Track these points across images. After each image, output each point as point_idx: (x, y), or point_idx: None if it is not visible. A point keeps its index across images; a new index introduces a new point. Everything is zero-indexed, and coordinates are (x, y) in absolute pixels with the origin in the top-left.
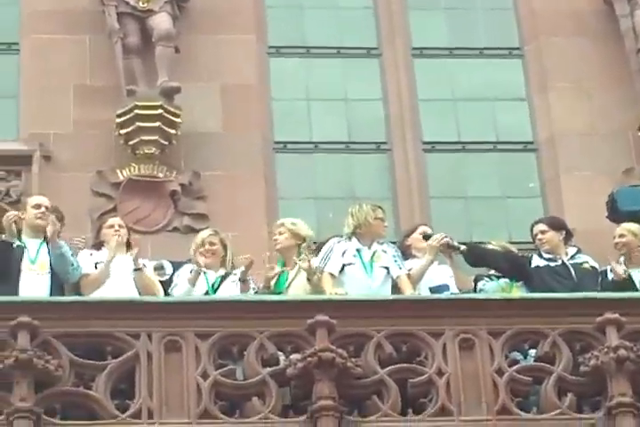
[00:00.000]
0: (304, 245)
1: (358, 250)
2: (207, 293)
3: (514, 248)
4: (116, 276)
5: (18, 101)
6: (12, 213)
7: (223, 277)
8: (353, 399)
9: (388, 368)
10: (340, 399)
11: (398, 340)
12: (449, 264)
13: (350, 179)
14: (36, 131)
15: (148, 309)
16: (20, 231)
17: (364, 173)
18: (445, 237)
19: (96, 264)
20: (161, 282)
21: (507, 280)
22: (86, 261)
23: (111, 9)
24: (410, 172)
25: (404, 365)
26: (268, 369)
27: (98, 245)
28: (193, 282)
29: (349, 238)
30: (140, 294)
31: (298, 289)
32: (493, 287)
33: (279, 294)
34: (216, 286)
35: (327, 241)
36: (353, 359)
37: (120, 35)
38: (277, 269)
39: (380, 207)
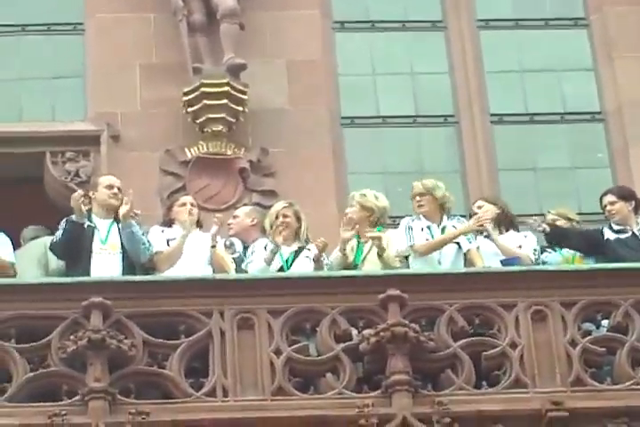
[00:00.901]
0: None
1: (429, 227)
2: (282, 268)
3: (573, 214)
4: (188, 254)
5: (84, 82)
6: (78, 193)
7: (297, 252)
8: (426, 373)
9: (460, 341)
10: (413, 374)
11: (470, 313)
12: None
13: (418, 152)
14: (104, 111)
15: (219, 286)
16: (89, 211)
17: (432, 146)
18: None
19: (168, 241)
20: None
21: (569, 250)
22: (158, 239)
23: None
24: (478, 144)
25: (477, 338)
26: (341, 345)
27: (168, 222)
28: (269, 261)
29: (419, 217)
30: (214, 271)
31: (372, 263)
32: (557, 259)
33: (355, 266)
34: (290, 261)
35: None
36: (425, 333)
37: (185, 12)
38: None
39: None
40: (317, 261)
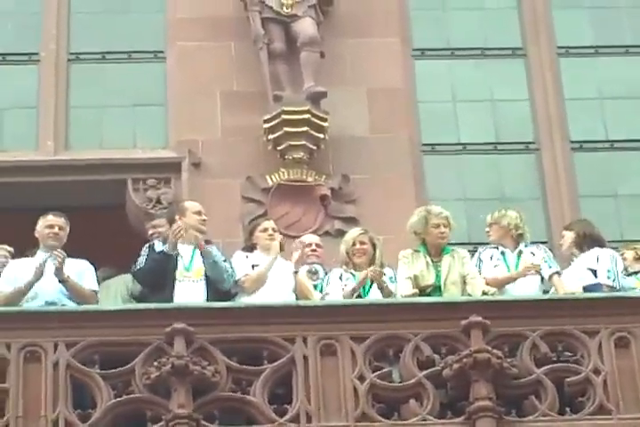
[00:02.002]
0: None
1: (503, 253)
2: (359, 295)
3: None
4: (271, 280)
5: (166, 109)
6: (178, 226)
7: (372, 281)
8: (510, 400)
9: (543, 368)
10: (497, 400)
11: (553, 339)
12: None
13: (499, 179)
14: (185, 138)
15: (302, 313)
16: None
17: (513, 173)
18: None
19: (253, 266)
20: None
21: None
22: (242, 264)
23: (255, 15)
24: (558, 171)
25: (560, 364)
26: (425, 371)
27: (250, 247)
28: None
29: (494, 246)
30: (296, 297)
31: (453, 288)
32: (631, 283)
33: (438, 287)
34: (367, 287)
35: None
36: (508, 360)
37: (265, 40)
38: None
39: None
40: (383, 289)
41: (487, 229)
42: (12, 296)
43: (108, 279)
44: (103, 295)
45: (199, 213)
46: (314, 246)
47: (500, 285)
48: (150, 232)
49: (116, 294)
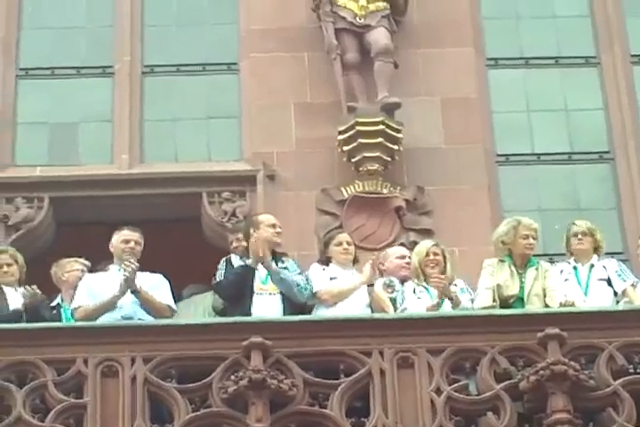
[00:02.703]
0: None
1: (574, 267)
2: None
3: None
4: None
5: (240, 121)
6: (256, 238)
7: None
8: (587, 412)
9: (621, 380)
10: (574, 412)
11: (630, 351)
12: None
13: (574, 189)
14: (259, 150)
15: (378, 326)
16: (247, 250)
17: (588, 183)
18: None
19: (330, 278)
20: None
21: None
22: (319, 276)
23: (329, 25)
24: (634, 181)
25: (638, 376)
26: (502, 384)
27: (326, 260)
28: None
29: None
30: (372, 310)
31: (536, 301)
32: None
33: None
34: (443, 300)
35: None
36: (585, 372)
37: (338, 51)
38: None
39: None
40: (452, 300)
41: (580, 237)
42: (96, 310)
43: (195, 296)
44: (191, 311)
45: (273, 225)
46: (407, 259)
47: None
48: (234, 245)
49: (204, 310)
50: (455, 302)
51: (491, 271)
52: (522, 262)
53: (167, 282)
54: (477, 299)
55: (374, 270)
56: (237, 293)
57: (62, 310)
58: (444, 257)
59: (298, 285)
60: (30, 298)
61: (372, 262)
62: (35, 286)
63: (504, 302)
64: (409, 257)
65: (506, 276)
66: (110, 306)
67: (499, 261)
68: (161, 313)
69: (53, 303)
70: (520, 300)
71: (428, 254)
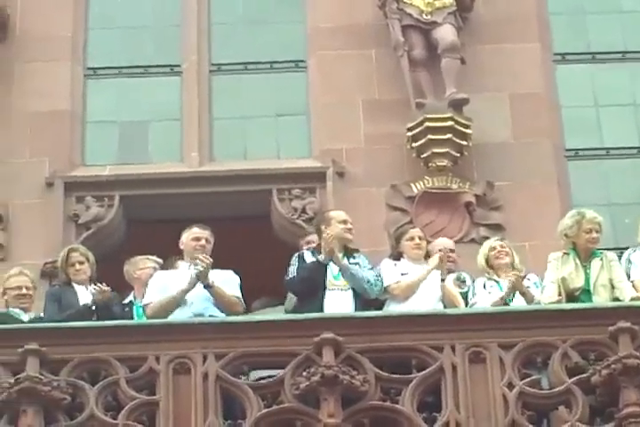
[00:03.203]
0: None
1: None
2: (505, 302)
3: None
4: (421, 288)
5: (308, 118)
6: (330, 236)
7: None
8: None
9: None
10: None
11: None
12: None
13: None
14: (328, 147)
15: (450, 321)
16: (319, 247)
17: None
18: None
19: (401, 274)
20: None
21: None
22: (391, 271)
23: (395, 22)
24: None
25: None
26: (573, 378)
27: (397, 255)
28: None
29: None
30: (444, 306)
31: (603, 291)
32: None
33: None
34: (512, 294)
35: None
36: None
37: (405, 48)
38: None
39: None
40: (525, 294)
41: None
42: (166, 305)
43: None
44: None
45: (344, 221)
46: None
47: None
48: (305, 248)
49: None
50: (528, 297)
51: (555, 265)
52: (585, 255)
53: (238, 278)
54: (544, 293)
55: (443, 261)
56: (309, 288)
57: (135, 307)
58: (510, 253)
59: (368, 281)
60: (101, 296)
61: (442, 254)
62: (105, 284)
63: (570, 295)
64: (451, 249)
65: (570, 269)
66: (179, 300)
67: (563, 255)
68: (233, 308)
69: (126, 301)
70: (586, 292)
71: (493, 248)
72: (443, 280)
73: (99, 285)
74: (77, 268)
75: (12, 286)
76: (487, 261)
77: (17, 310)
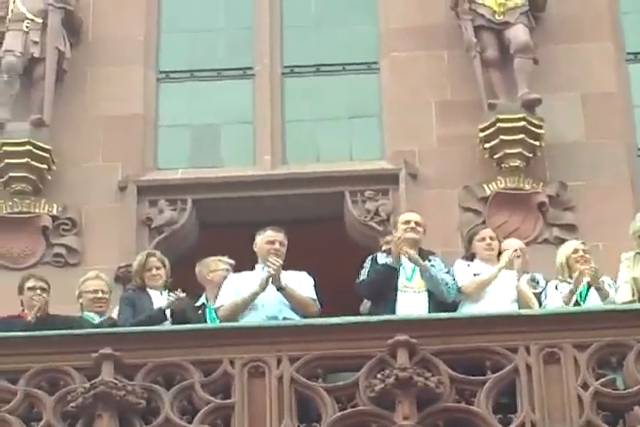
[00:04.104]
0: None
1: None
2: (577, 302)
3: None
4: (493, 290)
5: (381, 120)
6: (398, 238)
7: (589, 286)
8: None
9: None
10: None
11: None
12: None
13: None
14: (401, 149)
15: (524, 322)
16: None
17: None
18: None
19: (474, 275)
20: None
21: None
22: (464, 272)
23: (467, 23)
24: None
25: None
26: None
27: (470, 256)
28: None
29: None
30: (519, 307)
31: None
32: None
33: None
34: (583, 295)
35: None
36: None
37: (478, 48)
38: None
39: None
40: (600, 290)
41: None
42: (237, 307)
43: None
44: None
45: (407, 222)
46: (519, 252)
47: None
48: (383, 248)
49: None
50: (604, 293)
51: (628, 265)
52: None
53: (311, 279)
54: (617, 293)
55: (513, 259)
56: (380, 291)
57: (207, 310)
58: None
59: (446, 283)
60: (177, 303)
61: (521, 252)
62: (180, 291)
63: None
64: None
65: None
66: (251, 302)
67: (635, 255)
68: (307, 308)
69: (198, 303)
70: None
71: (576, 251)
72: (519, 279)
73: (175, 292)
74: (154, 273)
75: (89, 290)
76: (567, 260)
77: (92, 315)
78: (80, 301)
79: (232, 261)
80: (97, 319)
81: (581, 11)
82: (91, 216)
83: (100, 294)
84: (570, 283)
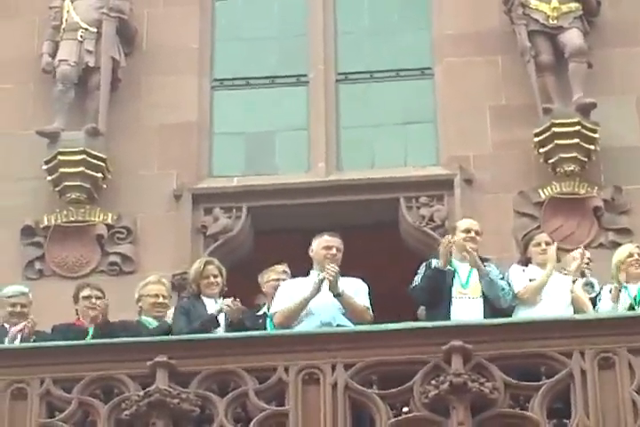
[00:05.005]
0: None
1: None
2: (631, 306)
3: None
4: (548, 294)
5: (435, 126)
6: (447, 240)
7: None
8: None
9: None
10: None
11: None
12: None
13: None
14: (456, 154)
15: (578, 326)
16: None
17: None
18: None
19: (530, 280)
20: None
21: None
22: (519, 277)
23: (521, 28)
24: None
25: None
26: None
27: (525, 261)
28: (614, 299)
29: None
30: (574, 311)
31: None
32: None
33: None
34: (638, 299)
35: None
36: None
37: (532, 53)
38: None
39: None
40: None
41: None
42: (290, 313)
43: None
44: None
45: (467, 230)
46: (586, 259)
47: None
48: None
49: None
50: None
51: None
52: None
53: (366, 286)
54: None
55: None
56: (433, 297)
57: (268, 319)
58: None
59: (503, 289)
60: (236, 314)
61: (581, 253)
62: (237, 300)
63: None
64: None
65: None
66: (305, 307)
67: None
68: (361, 316)
69: (260, 312)
70: None
71: (631, 255)
72: (573, 282)
73: (233, 302)
74: (211, 280)
75: (150, 294)
76: (621, 264)
77: (150, 319)
78: (139, 304)
79: (285, 268)
80: (153, 324)
81: (635, 15)
82: (146, 224)
83: (160, 299)
84: (625, 286)
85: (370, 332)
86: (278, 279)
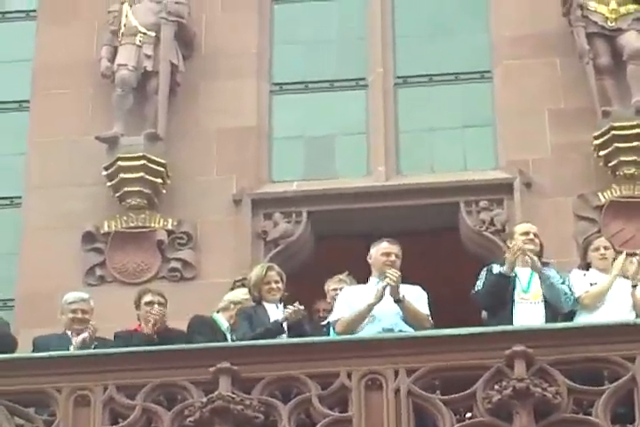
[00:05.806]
0: None
1: None
2: None
3: None
4: (610, 298)
5: (494, 129)
6: (516, 246)
7: None
8: None
9: None
10: None
11: None
12: None
13: None
14: (515, 158)
15: (638, 331)
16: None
17: None
18: None
19: (590, 284)
20: None
21: None
22: (580, 282)
23: (580, 30)
24: None
25: None
26: None
27: (585, 266)
28: None
29: None
30: (636, 315)
31: None
32: None
33: None
34: None
35: None
36: None
37: (590, 55)
38: None
39: None
40: None
41: None
42: (353, 321)
43: None
44: None
45: (526, 233)
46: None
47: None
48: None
49: None
50: None
51: None
52: None
53: (425, 294)
54: None
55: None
56: (495, 302)
57: (331, 327)
58: None
59: (565, 293)
60: (295, 315)
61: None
62: (298, 303)
63: None
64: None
65: None
66: (367, 314)
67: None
68: (421, 323)
69: (324, 322)
70: None
71: None
72: (634, 287)
73: (294, 304)
74: (272, 286)
75: (239, 299)
76: None
77: (223, 320)
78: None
79: (342, 277)
80: (225, 325)
81: None
82: (206, 230)
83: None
84: None
85: (432, 337)
86: (336, 289)
